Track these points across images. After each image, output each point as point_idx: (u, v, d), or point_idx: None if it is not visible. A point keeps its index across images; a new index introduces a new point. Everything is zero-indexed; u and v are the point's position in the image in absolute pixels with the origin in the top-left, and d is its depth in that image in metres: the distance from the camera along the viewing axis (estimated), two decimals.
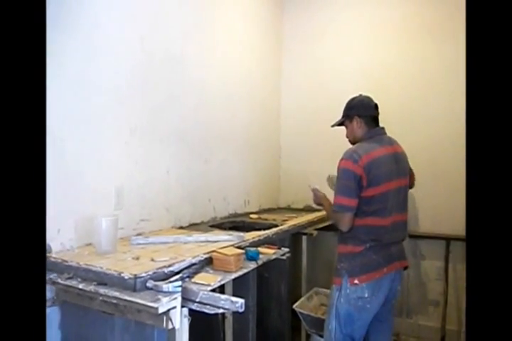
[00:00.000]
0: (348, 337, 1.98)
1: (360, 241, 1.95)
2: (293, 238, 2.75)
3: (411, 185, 2.22)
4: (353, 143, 2.15)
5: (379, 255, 1.96)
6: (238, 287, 2.04)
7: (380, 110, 2.14)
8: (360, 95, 2.17)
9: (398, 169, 2.03)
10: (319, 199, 2.22)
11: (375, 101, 2.13)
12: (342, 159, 1.97)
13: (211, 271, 1.69)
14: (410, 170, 2.18)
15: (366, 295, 1.92)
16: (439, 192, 3.12)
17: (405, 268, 2.12)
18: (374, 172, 1.90)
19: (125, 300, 1.39)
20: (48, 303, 1.71)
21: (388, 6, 3.39)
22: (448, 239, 3.05)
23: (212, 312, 1.45)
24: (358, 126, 2.09)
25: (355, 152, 1.94)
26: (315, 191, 2.24)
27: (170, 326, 1.37)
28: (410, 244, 3.12)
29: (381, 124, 2.13)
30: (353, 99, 2.17)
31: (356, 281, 1.92)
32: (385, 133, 2.12)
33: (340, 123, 2.21)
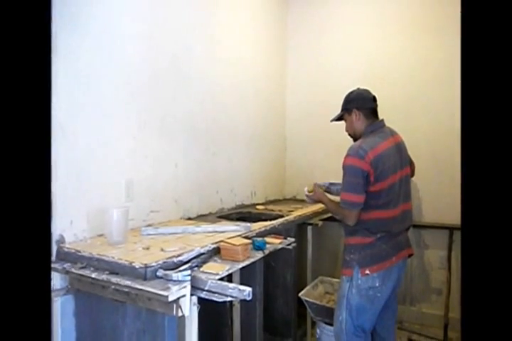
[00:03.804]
0: (358, 328, 1.99)
1: (370, 232, 1.96)
2: (298, 228, 2.79)
3: (412, 174, 2.21)
4: (353, 136, 2.15)
5: (388, 245, 1.97)
6: (245, 276, 2.06)
7: (383, 102, 2.14)
8: (358, 88, 2.15)
9: (401, 159, 2.03)
10: (318, 195, 2.19)
11: (375, 94, 2.11)
12: (348, 155, 1.95)
13: (219, 261, 1.71)
14: (410, 158, 2.17)
15: (377, 285, 1.93)
16: (442, 182, 3.14)
17: (410, 255, 2.13)
18: (381, 167, 1.89)
19: (136, 288, 1.41)
20: (62, 292, 1.75)
21: None
22: (451, 229, 3.07)
23: (221, 300, 1.46)
24: (357, 118, 2.08)
25: (361, 148, 1.91)
26: (315, 187, 2.22)
27: (180, 313, 1.39)
28: (414, 234, 3.16)
29: (382, 116, 2.14)
30: (351, 93, 2.15)
31: (367, 271, 1.93)
32: (385, 125, 2.11)
33: (339, 118, 2.20)
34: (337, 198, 2.07)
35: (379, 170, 1.89)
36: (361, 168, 1.88)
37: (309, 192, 2.23)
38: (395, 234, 2.01)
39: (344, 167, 1.96)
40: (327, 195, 2.18)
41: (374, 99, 2.11)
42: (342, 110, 2.16)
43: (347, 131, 2.17)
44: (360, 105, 2.08)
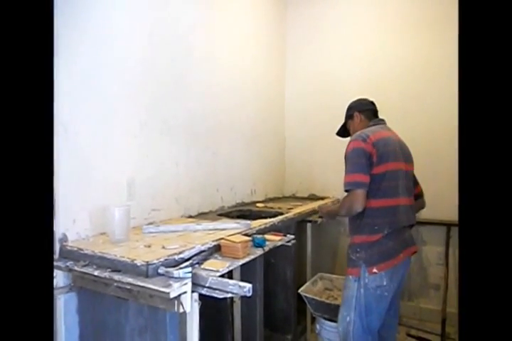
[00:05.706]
0: (366, 329, 1.95)
1: (378, 226, 1.92)
2: (298, 225, 2.80)
3: (420, 194, 2.24)
4: None
5: (395, 241, 1.94)
6: (246, 273, 2.07)
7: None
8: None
9: (404, 154, 2.05)
10: (323, 209, 2.29)
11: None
12: (350, 141, 1.98)
13: (220, 258, 1.72)
14: (416, 182, 2.20)
15: (385, 283, 1.90)
16: (440, 179, 3.15)
17: (413, 253, 2.11)
18: (382, 149, 1.92)
19: (138, 285, 1.42)
20: (65, 290, 1.77)
21: None
22: (448, 225, 3.10)
23: (221, 296, 1.46)
24: (359, 120, 2.16)
25: (363, 133, 1.98)
26: (320, 208, 2.33)
27: (181, 310, 1.40)
28: (412, 230, 3.18)
29: (381, 113, 2.18)
30: (350, 103, 2.25)
31: (375, 270, 1.89)
32: (386, 124, 2.15)
33: (343, 127, 2.30)
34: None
35: (380, 151, 1.91)
36: (364, 149, 1.91)
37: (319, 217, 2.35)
38: (401, 229, 1.98)
39: (347, 152, 1.98)
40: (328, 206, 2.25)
41: (372, 103, 2.19)
42: (345, 119, 2.26)
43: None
44: (360, 108, 2.18)
